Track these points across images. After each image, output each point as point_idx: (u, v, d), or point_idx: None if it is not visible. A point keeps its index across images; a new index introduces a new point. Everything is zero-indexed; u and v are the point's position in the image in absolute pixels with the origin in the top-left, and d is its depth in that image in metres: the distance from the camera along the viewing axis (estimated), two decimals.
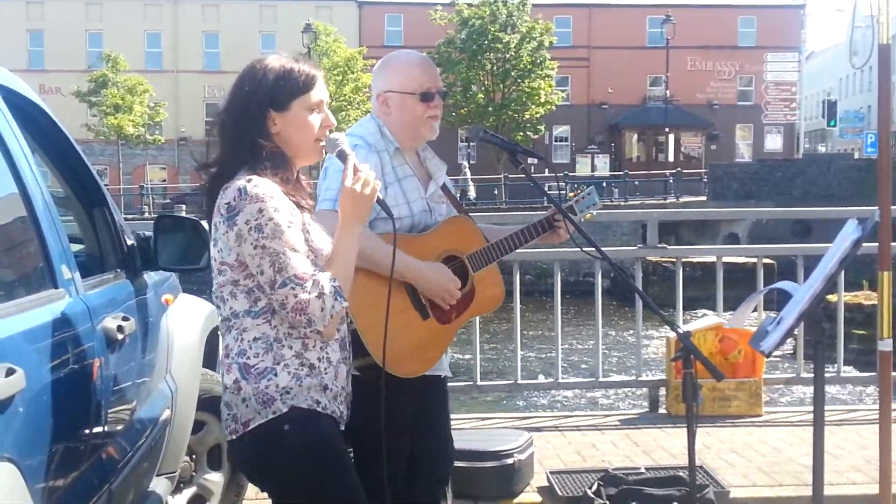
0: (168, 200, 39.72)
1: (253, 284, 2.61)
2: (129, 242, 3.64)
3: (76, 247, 3.50)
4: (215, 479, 4.30)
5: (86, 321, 2.85)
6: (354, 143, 3.27)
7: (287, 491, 2.68)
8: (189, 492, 4.23)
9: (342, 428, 2.78)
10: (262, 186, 2.56)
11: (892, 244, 4.46)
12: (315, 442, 2.64)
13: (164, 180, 50.46)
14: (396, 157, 3.39)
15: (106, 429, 2.95)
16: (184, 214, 3.02)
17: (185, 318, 4.09)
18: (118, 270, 3.52)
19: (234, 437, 2.65)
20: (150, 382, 3.58)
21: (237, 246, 2.57)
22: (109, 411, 2.98)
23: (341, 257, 2.68)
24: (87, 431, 2.78)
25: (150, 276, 3.83)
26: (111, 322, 3.02)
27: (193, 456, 4.25)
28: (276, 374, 2.60)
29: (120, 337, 3.03)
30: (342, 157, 2.77)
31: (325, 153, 2.91)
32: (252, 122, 2.67)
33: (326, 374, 2.69)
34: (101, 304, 3.04)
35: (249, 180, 2.56)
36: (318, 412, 2.65)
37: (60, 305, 2.73)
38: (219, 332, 2.78)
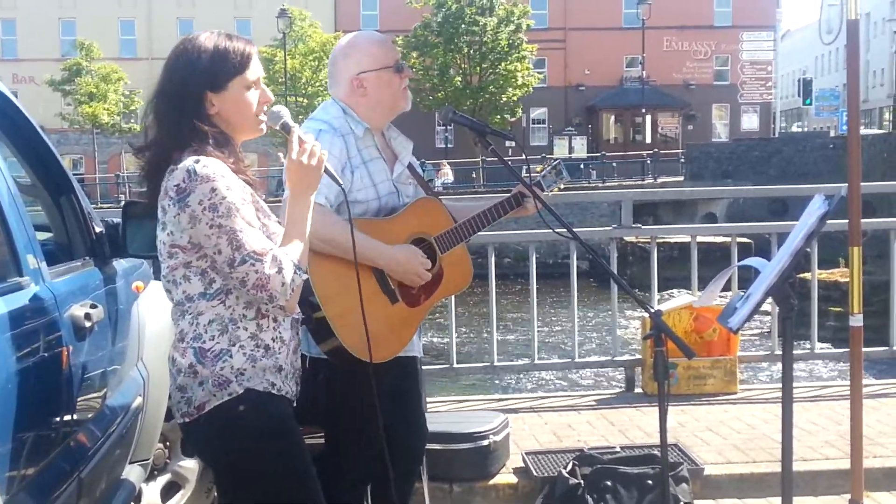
0: (144, 189, 39.46)
1: (206, 266, 2.59)
2: (98, 230, 3.62)
3: (43, 235, 3.48)
4: (190, 466, 4.29)
5: (53, 309, 2.83)
6: (319, 128, 3.28)
7: (242, 473, 2.67)
8: (163, 479, 4.22)
9: (294, 405, 2.78)
10: (212, 166, 2.53)
11: (863, 220, 4.49)
12: (270, 424, 2.64)
13: None
14: (365, 138, 3.40)
15: (75, 417, 2.94)
16: None
17: (156, 305, 4.07)
18: (86, 258, 3.49)
19: (186, 419, 2.64)
20: (121, 370, 3.57)
21: (191, 227, 2.54)
22: (79, 399, 2.97)
23: (296, 230, 2.65)
24: (55, 420, 2.77)
25: (120, 264, 3.81)
26: (79, 310, 3.00)
27: (167, 443, 4.24)
28: (231, 356, 2.59)
29: (88, 324, 3.01)
30: (286, 129, 2.72)
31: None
32: (189, 104, 2.63)
33: (280, 353, 2.69)
34: (68, 292, 3.02)
35: (197, 161, 2.53)
36: (273, 394, 2.65)
37: (26, 294, 2.71)
38: (171, 320, 2.72)
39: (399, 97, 3.45)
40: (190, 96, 2.64)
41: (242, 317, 2.62)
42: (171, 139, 2.64)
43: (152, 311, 3.99)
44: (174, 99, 2.65)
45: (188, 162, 2.54)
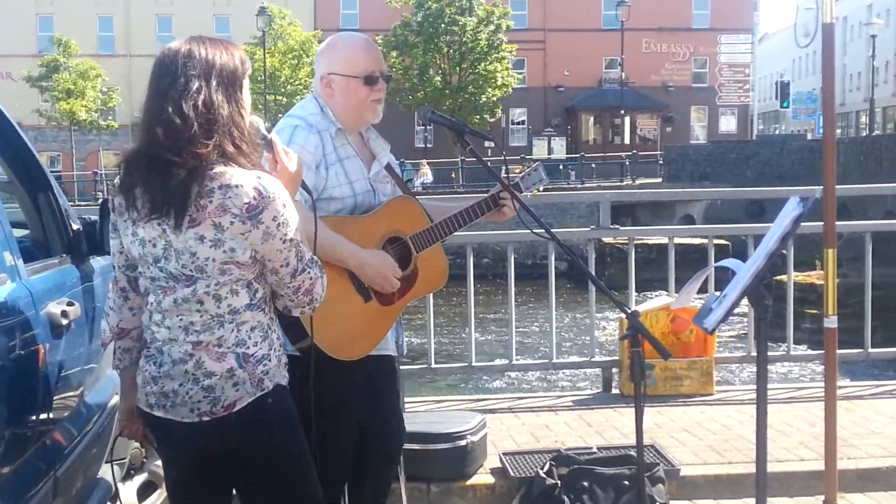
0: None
1: (252, 277, 2.60)
2: (75, 227, 3.61)
3: (20, 232, 3.47)
4: None
5: (29, 307, 2.83)
6: (294, 125, 3.28)
7: (276, 460, 2.71)
8: (140, 478, 4.20)
9: None
10: (273, 182, 2.55)
11: (838, 222, 4.53)
12: (292, 411, 2.74)
13: (118, 166, 49.85)
14: (339, 137, 3.39)
15: (51, 415, 2.93)
16: None
17: None
18: (63, 255, 3.49)
19: (206, 418, 2.59)
20: (98, 368, 3.56)
21: (262, 243, 2.53)
22: (55, 397, 2.96)
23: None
24: (31, 418, 2.77)
25: (98, 262, 3.79)
26: (55, 307, 3.00)
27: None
28: (269, 360, 2.65)
29: (64, 322, 3.01)
30: (266, 140, 2.72)
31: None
32: (231, 105, 2.57)
33: (283, 349, 2.77)
34: (45, 290, 3.02)
35: (259, 177, 2.52)
36: (286, 386, 2.74)
37: (2, 291, 2.71)
38: (191, 327, 2.59)
39: (365, 109, 3.41)
40: (233, 97, 2.59)
41: (272, 319, 2.70)
42: (215, 145, 2.51)
43: None
44: (217, 103, 2.55)
45: (250, 179, 2.50)
